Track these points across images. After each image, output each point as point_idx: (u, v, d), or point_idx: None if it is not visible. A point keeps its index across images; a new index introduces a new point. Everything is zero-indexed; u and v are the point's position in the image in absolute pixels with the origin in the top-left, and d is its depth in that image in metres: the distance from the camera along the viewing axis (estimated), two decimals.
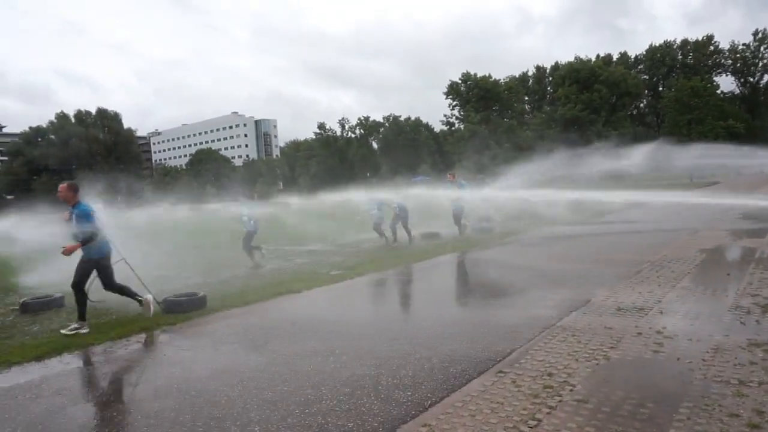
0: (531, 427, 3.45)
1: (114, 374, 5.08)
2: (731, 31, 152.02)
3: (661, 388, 3.97)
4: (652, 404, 3.69)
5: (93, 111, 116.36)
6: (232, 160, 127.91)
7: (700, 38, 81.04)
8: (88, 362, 5.46)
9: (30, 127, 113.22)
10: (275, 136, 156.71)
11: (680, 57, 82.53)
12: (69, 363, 5.44)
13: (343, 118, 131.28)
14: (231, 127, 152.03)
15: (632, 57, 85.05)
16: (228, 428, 3.69)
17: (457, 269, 10.58)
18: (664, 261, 9.23)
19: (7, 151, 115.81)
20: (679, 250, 10.39)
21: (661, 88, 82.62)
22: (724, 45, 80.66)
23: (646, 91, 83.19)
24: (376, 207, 13.95)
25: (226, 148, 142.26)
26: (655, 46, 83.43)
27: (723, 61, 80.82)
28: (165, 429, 3.75)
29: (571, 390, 4.01)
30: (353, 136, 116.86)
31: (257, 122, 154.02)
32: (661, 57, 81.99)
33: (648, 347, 4.88)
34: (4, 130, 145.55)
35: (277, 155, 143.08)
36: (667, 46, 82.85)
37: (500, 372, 4.47)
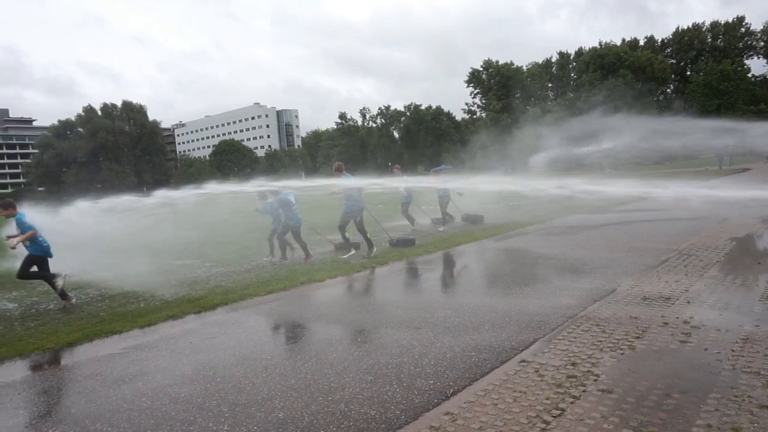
0: (554, 417, 3.43)
1: (142, 361, 5.21)
2: (764, 11, 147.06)
3: (688, 379, 3.91)
4: (679, 395, 3.64)
5: (119, 104, 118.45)
6: (254, 151, 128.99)
7: (730, 20, 78.56)
8: (116, 349, 5.60)
9: (59, 120, 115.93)
10: (297, 126, 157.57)
11: (710, 40, 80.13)
12: (98, 349, 5.59)
13: (364, 108, 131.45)
14: (253, 118, 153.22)
15: (659, 41, 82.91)
16: (253, 414, 3.76)
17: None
18: (692, 249, 9.04)
19: (38, 144, 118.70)
20: (707, 238, 10.16)
21: (689, 73, 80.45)
22: (757, 26, 78.11)
23: (673, 76, 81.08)
24: (270, 209, 10.67)
25: (248, 139, 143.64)
26: (683, 29, 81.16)
27: (755, 43, 78.19)
28: (192, 414, 3.84)
29: (595, 380, 3.97)
30: (374, 125, 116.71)
31: (279, 113, 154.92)
32: (689, 40, 79.75)
33: (675, 337, 4.80)
34: (34, 124, 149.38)
35: (298, 145, 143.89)
36: (696, 28, 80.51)
37: (523, 361, 4.46)
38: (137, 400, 4.18)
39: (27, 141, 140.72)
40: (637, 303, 6.01)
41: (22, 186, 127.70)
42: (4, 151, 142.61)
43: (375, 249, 10.51)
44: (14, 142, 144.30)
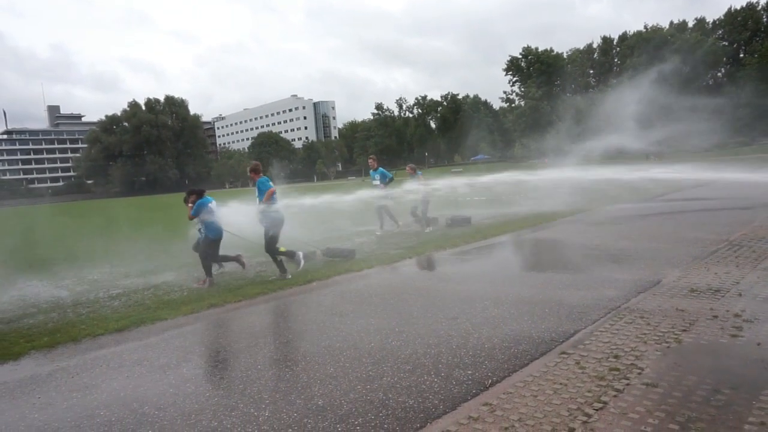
0: (596, 410, 3.36)
1: (185, 347, 5.37)
2: None
3: (740, 374, 3.75)
4: (729, 390, 3.49)
5: (161, 98, 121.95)
6: (292, 143, 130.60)
7: None
8: (161, 336, 5.79)
9: (106, 116, 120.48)
10: (333, 118, 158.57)
11: (765, 19, 75.99)
12: (145, 336, 5.80)
13: (400, 98, 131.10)
14: (291, 110, 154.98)
15: (710, 22, 79.21)
16: (293, 401, 3.83)
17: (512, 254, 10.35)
18: (744, 240, 8.65)
19: (86, 139, 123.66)
20: (761, 228, 9.70)
21: (742, 55, 76.61)
22: None
23: (725, 59, 77.38)
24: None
25: (286, 131, 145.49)
26: (736, 9, 77.25)
27: None
28: (234, 399, 3.93)
29: (639, 373, 3.86)
30: (411, 115, 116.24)
31: (316, 104, 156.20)
32: (742, 21, 75.85)
33: (725, 331, 4.61)
34: (83, 119, 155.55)
35: (335, 136, 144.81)
36: (750, 8, 76.48)
37: (563, 353, 4.37)
38: (182, 385, 4.31)
39: (77, 136, 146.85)
40: (684, 295, 5.80)
41: (72, 179, 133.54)
42: (56, 146, 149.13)
43: (289, 275, 8.37)
44: (65, 137, 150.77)
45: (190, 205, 8.58)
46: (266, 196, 8.34)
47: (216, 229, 8.48)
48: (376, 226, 13.26)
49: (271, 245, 8.43)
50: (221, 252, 8.74)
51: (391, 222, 13.29)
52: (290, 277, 8.25)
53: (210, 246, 8.44)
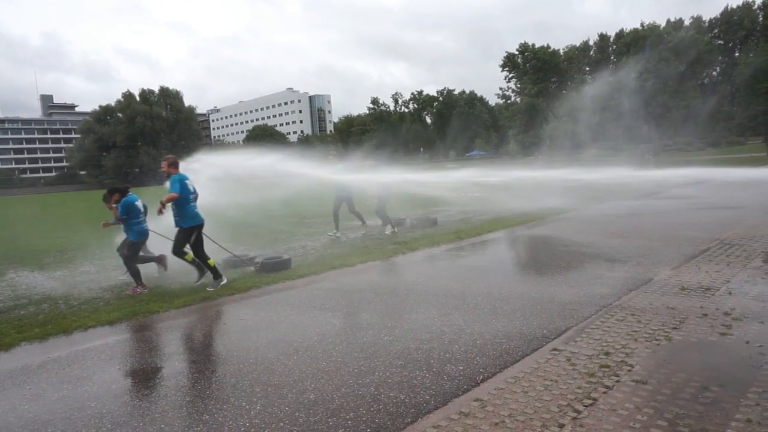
0: (586, 406, 3.38)
1: (177, 340, 5.36)
2: None
3: (728, 372, 3.79)
4: (717, 388, 3.53)
5: (156, 89, 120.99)
6: (287, 136, 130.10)
7: None
8: (154, 329, 5.78)
9: (100, 106, 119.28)
10: (329, 112, 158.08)
11: (761, 19, 76.29)
12: (137, 329, 5.79)
13: (396, 93, 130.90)
14: (286, 103, 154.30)
15: (706, 21, 79.44)
16: (285, 395, 3.83)
17: (509, 248, 10.39)
18: (735, 239, 8.72)
19: (80, 129, 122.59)
20: (752, 228, 9.77)
21: (737, 54, 76.90)
22: None
23: (720, 58, 77.66)
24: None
25: (281, 124, 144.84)
26: (732, 8, 77.51)
27: None
28: (225, 394, 3.94)
29: (629, 370, 3.89)
30: (406, 110, 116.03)
31: (311, 98, 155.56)
32: (738, 20, 76.12)
33: (714, 329, 4.65)
34: (76, 109, 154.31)
35: (330, 131, 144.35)
36: (746, 7, 76.76)
37: (554, 350, 4.40)
38: (173, 379, 4.31)
39: (70, 126, 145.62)
40: (675, 293, 5.85)
41: (65, 169, 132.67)
42: (49, 135, 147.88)
43: (224, 280, 7.54)
44: (58, 127, 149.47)
45: (114, 205, 7.82)
46: (166, 199, 7.13)
47: (140, 231, 7.71)
48: (359, 223, 12.89)
49: (178, 246, 7.42)
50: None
51: (359, 220, 12.79)
52: (225, 281, 7.44)
53: (132, 248, 7.67)
